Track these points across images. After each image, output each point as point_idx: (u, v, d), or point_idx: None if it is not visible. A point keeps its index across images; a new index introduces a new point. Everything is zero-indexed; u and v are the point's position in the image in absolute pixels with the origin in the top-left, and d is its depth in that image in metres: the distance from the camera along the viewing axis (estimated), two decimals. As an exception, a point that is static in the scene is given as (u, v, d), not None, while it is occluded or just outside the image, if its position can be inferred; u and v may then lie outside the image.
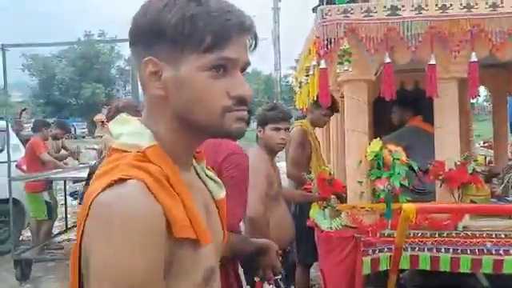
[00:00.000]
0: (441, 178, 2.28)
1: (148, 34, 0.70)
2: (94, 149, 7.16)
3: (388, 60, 2.24)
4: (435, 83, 2.25)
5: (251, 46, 0.74)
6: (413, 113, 3.10)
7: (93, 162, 4.50)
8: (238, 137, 0.75)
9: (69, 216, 5.58)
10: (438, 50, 2.25)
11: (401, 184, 2.19)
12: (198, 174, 0.83)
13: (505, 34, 2.18)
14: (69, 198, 6.28)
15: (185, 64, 0.69)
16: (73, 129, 17.86)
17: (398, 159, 2.24)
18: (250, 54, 0.74)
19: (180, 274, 0.69)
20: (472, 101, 4.85)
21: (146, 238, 0.62)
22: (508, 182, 2.89)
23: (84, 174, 3.71)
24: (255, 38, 0.74)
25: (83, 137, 21.20)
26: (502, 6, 2.19)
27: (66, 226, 5.45)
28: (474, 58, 2.22)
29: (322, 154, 3.41)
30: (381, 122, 3.35)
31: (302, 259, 3.04)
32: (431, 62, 2.24)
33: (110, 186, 0.64)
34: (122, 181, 0.64)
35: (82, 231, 0.66)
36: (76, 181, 6.08)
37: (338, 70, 2.20)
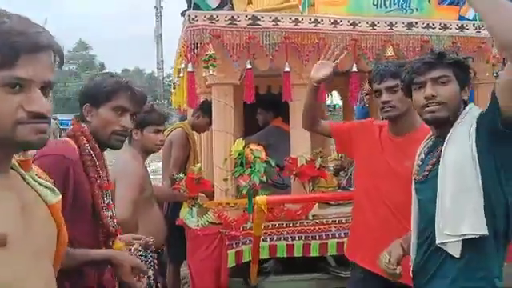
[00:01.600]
0: (294, 172, 2.56)
1: None
2: None
3: (249, 66, 2.42)
4: (289, 88, 2.51)
5: (56, 62, 0.79)
6: (274, 114, 3.38)
7: None
8: (38, 146, 0.80)
9: None
10: (291, 59, 2.52)
11: (260, 180, 2.40)
12: (25, 180, 0.87)
13: (343, 48, 2.54)
14: None
15: None
16: None
17: (258, 157, 2.44)
18: (53, 71, 0.79)
19: None
20: (328, 102, 5.46)
21: None
22: (351, 174, 3.36)
23: None
24: (59, 54, 0.80)
25: None
26: (342, 24, 2.55)
27: None
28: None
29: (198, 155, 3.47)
30: (251, 123, 3.58)
31: (172, 258, 3.07)
32: (286, 70, 2.49)
33: None
34: None
35: None
36: None
37: (204, 74, 2.29)
